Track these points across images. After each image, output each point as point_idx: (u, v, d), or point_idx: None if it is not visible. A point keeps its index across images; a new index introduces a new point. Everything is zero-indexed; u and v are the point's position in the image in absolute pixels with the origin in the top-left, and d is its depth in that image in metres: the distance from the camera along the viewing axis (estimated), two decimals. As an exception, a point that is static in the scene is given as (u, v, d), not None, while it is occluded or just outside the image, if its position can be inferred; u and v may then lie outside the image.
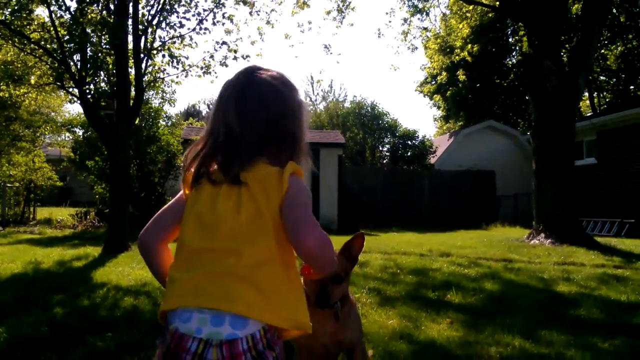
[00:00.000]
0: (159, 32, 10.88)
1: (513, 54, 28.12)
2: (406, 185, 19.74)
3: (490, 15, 20.47)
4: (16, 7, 9.87)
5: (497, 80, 27.87)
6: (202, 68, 11.58)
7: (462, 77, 20.30)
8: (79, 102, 10.70)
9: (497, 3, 13.90)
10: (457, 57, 17.19)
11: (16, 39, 10.08)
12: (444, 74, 23.24)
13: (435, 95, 28.83)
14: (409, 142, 22.41)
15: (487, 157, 21.13)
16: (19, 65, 12.01)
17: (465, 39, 17.48)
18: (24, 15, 9.90)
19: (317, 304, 2.13)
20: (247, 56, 12.13)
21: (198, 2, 11.16)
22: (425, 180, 20.00)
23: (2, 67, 11.98)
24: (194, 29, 11.19)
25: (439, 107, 31.78)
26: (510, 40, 27.16)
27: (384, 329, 3.98)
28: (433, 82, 28.35)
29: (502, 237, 11.91)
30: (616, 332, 3.89)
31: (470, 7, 15.64)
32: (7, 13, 9.92)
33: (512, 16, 14.71)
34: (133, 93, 10.37)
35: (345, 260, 2.31)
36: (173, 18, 11.02)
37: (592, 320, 4.34)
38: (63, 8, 10.24)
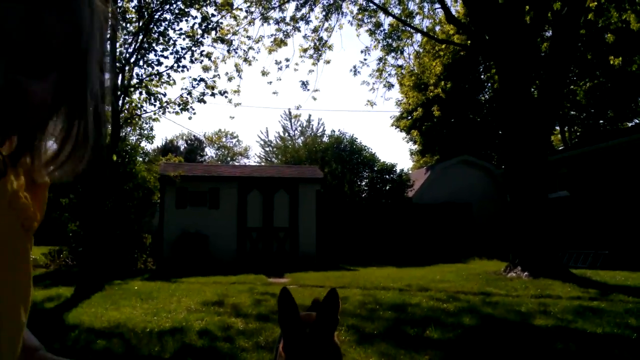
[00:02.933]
0: (136, 69, 10.93)
1: (486, 89, 28.90)
2: (385, 220, 19.80)
3: (462, 53, 21.10)
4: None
5: (471, 115, 28.50)
6: (179, 105, 11.61)
7: (436, 113, 20.71)
8: (53, 139, 10.63)
9: (469, 42, 14.35)
10: (431, 93, 17.59)
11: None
12: (419, 109, 23.70)
13: (412, 131, 29.32)
14: (387, 176, 22.59)
15: (463, 190, 21.39)
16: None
17: (439, 76, 17.94)
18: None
19: None
20: (225, 92, 12.25)
21: (176, 40, 11.26)
22: (403, 214, 20.10)
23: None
24: (171, 67, 11.27)
25: (415, 142, 32.23)
26: (482, 76, 27.95)
27: (363, 368, 3.93)
28: (409, 117, 28.85)
29: (480, 270, 11.97)
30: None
31: (443, 46, 16.11)
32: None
33: (483, 54, 15.19)
34: (110, 130, 10.32)
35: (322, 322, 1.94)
36: (151, 56, 11.10)
37: (569, 353, 4.36)
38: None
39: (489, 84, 27.50)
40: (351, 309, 6.67)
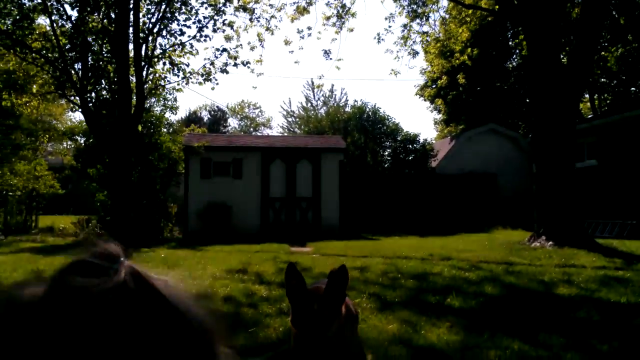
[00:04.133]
0: (159, 40, 11.01)
1: (514, 57, 28.16)
2: (408, 190, 19.74)
3: (489, 19, 20.51)
4: (18, 17, 9.98)
5: (497, 83, 27.89)
6: (202, 75, 11.69)
7: (462, 81, 20.32)
8: (80, 110, 10.81)
9: (497, 7, 13.94)
10: (457, 61, 17.23)
11: (18, 49, 10.17)
12: (445, 77, 23.26)
13: (436, 99, 28.87)
14: (410, 146, 22.41)
15: (488, 160, 21.12)
16: (21, 75, 12.10)
17: (465, 43, 17.52)
18: (26, 24, 10.00)
19: (303, 339, 1.85)
20: (247, 62, 12.28)
21: (198, 9, 11.26)
22: (426, 184, 20.00)
23: (4, 76, 12.08)
24: (194, 37, 11.30)
25: (439, 111, 31.79)
26: (510, 43, 27.20)
27: (384, 334, 3.99)
28: (433, 86, 28.38)
29: (504, 240, 11.91)
30: (615, 335, 3.90)
31: (470, 12, 15.69)
32: (9, 23, 10.03)
33: (511, 20, 14.74)
34: (134, 101, 10.45)
35: (328, 297, 1.99)
36: (174, 26, 11.14)
37: (591, 322, 4.35)
38: (64, 17, 10.37)
39: (517, 51, 26.74)
40: (373, 278, 6.74)
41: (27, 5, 9.99)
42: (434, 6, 16.09)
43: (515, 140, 22.56)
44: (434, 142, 26.60)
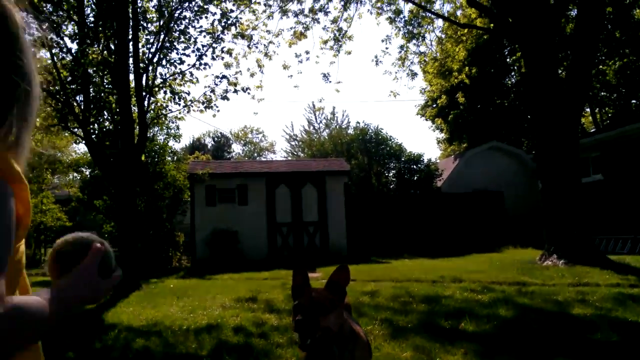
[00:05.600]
0: (159, 69, 11.07)
1: (512, 73, 28.28)
2: (415, 211, 19.63)
3: (485, 37, 20.68)
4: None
5: (498, 100, 27.95)
6: (203, 103, 11.70)
7: (461, 100, 20.37)
8: (83, 142, 10.83)
9: (492, 25, 14.04)
10: (455, 79, 17.30)
11: (21, 83, 10.23)
12: (444, 97, 23.35)
13: (436, 119, 28.94)
14: (415, 166, 22.38)
15: (493, 178, 21.04)
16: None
17: (463, 62, 17.62)
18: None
19: (300, 339, 1.89)
20: (248, 88, 12.28)
21: (197, 38, 11.35)
22: (433, 204, 19.90)
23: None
24: (193, 65, 11.35)
25: (441, 130, 31.82)
26: (508, 60, 27.35)
27: (398, 363, 3.90)
28: (434, 106, 28.47)
29: (514, 260, 11.77)
30: (636, 357, 3.79)
31: (465, 31, 15.81)
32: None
33: (507, 37, 14.83)
34: (137, 131, 10.47)
35: (329, 292, 2.08)
36: (173, 55, 11.22)
37: (609, 344, 4.24)
38: (64, 50, 10.46)
39: (515, 67, 26.89)
40: (384, 303, 6.63)
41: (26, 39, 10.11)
42: (429, 26, 16.24)
43: (519, 157, 22.52)
44: (438, 161, 26.57)
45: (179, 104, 11.52)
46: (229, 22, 11.66)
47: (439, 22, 16.31)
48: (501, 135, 26.61)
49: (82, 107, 10.43)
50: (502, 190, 20.18)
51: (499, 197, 20.05)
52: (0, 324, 0.76)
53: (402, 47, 16.54)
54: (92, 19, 10.69)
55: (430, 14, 15.33)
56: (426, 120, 31.12)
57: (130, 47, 10.18)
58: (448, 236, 18.70)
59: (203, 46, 11.42)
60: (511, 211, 19.89)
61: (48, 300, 0.88)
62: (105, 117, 11.17)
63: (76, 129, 11.06)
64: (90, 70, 10.43)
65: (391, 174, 23.20)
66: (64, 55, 10.47)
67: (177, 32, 11.12)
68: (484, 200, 19.87)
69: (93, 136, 10.53)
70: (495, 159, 22.14)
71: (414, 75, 17.64)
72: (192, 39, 11.26)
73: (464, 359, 3.97)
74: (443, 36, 17.20)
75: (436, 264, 12.14)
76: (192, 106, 11.67)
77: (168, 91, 11.35)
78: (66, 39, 10.58)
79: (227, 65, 12.48)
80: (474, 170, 21.68)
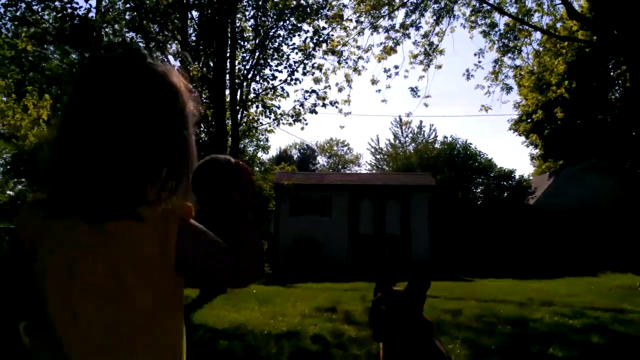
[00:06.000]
0: (253, 85, 11.59)
1: (616, 87, 26.46)
2: (503, 228, 18.87)
3: (587, 50, 19.54)
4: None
5: (599, 116, 26.25)
6: (292, 116, 12.07)
7: (560, 115, 19.34)
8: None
9: (594, 38, 13.27)
10: (553, 94, 16.47)
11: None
12: (540, 111, 22.27)
13: (531, 134, 27.68)
14: (505, 182, 21.55)
15: (591, 197, 19.74)
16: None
17: (562, 75, 16.75)
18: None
19: (376, 329, 1.95)
20: (335, 102, 12.53)
21: (289, 55, 11.75)
22: (523, 222, 19.01)
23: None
24: (285, 80, 11.78)
25: (536, 146, 30.40)
26: (612, 73, 25.63)
27: (479, 384, 3.79)
28: (529, 121, 27.24)
29: (612, 285, 10.94)
30: None
31: (565, 43, 15.05)
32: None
33: (611, 50, 13.95)
34: (230, 142, 11.01)
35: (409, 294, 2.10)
36: (266, 71, 11.70)
37: None
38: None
39: (620, 82, 25.11)
40: (466, 322, 6.44)
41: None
42: (526, 39, 15.60)
43: (620, 176, 20.96)
44: (531, 178, 25.37)
45: (270, 117, 12.00)
46: (321, 39, 11.97)
47: (537, 35, 15.65)
48: (602, 153, 24.92)
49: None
50: (600, 211, 18.86)
51: (597, 218, 18.74)
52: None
53: (496, 61, 16.03)
54: (193, 38, 11.44)
55: (527, 27, 14.76)
56: (519, 135, 29.84)
57: (228, 64, 10.77)
58: (539, 256, 17.75)
59: (295, 62, 11.83)
60: (610, 233, 18.51)
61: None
62: (202, 129, 11.87)
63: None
64: (191, 86, 11.17)
65: (479, 190, 22.48)
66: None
67: (271, 50, 11.61)
68: (580, 220, 18.68)
69: (191, 147, 11.23)
70: (594, 177, 20.76)
71: (508, 89, 17.02)
72: (285, 56, 11.70)
73: (550, 385, 3.78)
74: (541, 49, 16.49)
75: (525, 285, 11.57)
76: (281, 119, 12.10)
77: (260, 105, 11.87)
78: (170, 57, 11.42)
79: (317, 80, 12.79)
80: (571, 189, 20.46)
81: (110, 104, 0.98)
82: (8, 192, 25.50)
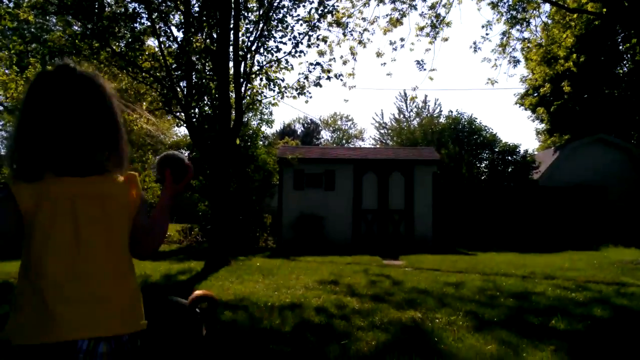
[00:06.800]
0: (257, 57, 11.43)
1: (625, 62, 26.05)
2: (506, 203, 18.85)
3: (596, 22, 19.19)
4: (130, 40, 10.85)
5: (606, 90, 25.91)
6: (296, 89, 11.94)
7: (567, 89, 19.08)
8: (185, 125, 11.50)
9: (604, 10, 13.01)
10: (561, 67, 16.23)
11: (130, 69, 11.03)
12: (547, 85, 22.00)
13: (537, 108, 27.39)
14: (509, 157, 21.42)
15: (597, 172, 19.62)
16: (132, 93, 13.12)
17: (570, 49, 16.48)
18: (137, 46, 10.85)
19: None
20: (340, 75, 12.36)
21: (294, 26, 11.58)
22: (527, 197, 18.98)
23: (118, 94, 13.16)
24: (289, 53, 11.60)
25: (542, 120, 30.12)
26: (621, 47, 25.21)
27: (481, 355, 3.82)
28: (535, 95, 26.94)
29: (615, 259, 10.97)
30: None
31: (574, 16, 14.76)
32: (122, 45, 10.92)
33: (621, 23, 13.67)
34: (233, 115, 10.93)
35: None
36: (270, 43, 11.53)
37: None
38: (171, 39, 11.12)
39: (629, 55, 24.72)
40: (469, 295, 6.48)
41: (138, 28, 10.83)
42: (535, 11, 15.32)
43: (627, 151, 20.79)
44: (536, 153, 25.22)
45: (274, 90, 11.87)
46: (326, 10, 11.76)
47: (546, 7, 15.35)
48: (609, 127, 24.70)
49: (185, 93, 11.05)
50: (606, 186, 18.78)
51: (602, 193, 18.68)
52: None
53: (504, 33, 15.75)
54: (197, 9, 11.25)
55: (537, -2, 14.48)
56: (525, 109, 29.59)
57: (231, 35, 10.61)
58: (542, 231, 17.77)
59: (299, 34, 11.63)
60: (615, 208, 18.47)
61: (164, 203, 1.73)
62: (205, 102, 11.76)
63: (179, 113, 11.76)
64: (194, 58, 11.01)
65: (483, 165, 22.40)
66: (171, 43, 11.14)
67: (276, 21, 11.41)
68: (585, 195, 18.62)
69: (194, 120, 11.13)
70: (600, 152, 20.59)
71: (516, 62, 16.78)
72: (290, 28, 11.52)
73: (554, 356, 3.80)
74: (549, 21, 16.19)
75: (527, 259, 11.62)
76: (285, 92, 11.97)
77: (264, 78, 11.73)
78: (173, 28, 11.25)
79: (321, 53, 12.60)
80: (576, 164, 20.33)
81: (58, 103, 1.46)
82: (13, 165, 25.63)
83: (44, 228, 1.40)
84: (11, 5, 10.34)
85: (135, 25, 10.75)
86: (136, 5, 10.65)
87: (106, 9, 10.41)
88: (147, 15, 10.58)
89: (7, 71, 17.18)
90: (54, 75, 1.50)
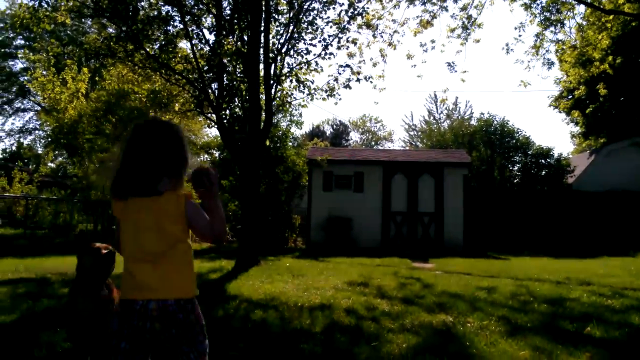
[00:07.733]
0: (287, 59, 11.49)
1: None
2: (540, 207, 18.48)
3: (633, 24, 18.66)
4: (163, 42, 11.06)
5: (645, 92, 25.15)
6: (326, 91, 11.95)
7: (603, 92, 18.59)
8: (216, 126, 11.65)
9: (643, 9, 12.63)
10: (596, 70, 15.83)
11: (163, 71, 11.24)
12: (582, 88, 21.48)
13: (572, 111, 26.78)
14: (543, 160, 21.01)
15: (634, 177, 19.08)
16: (165, 94, 13.38)
17: (606, 51, 16.07)
18: (170, 49, 11.06)
19: None
20: (370, 77, 12.31)
21: (324, 29, 11.58)
22: (561, 201, 18.57)
23: (152, 95, 13.47)
24: (319, 55, 11.62)
25: (576, 123, 29.43)
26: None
27: (514, 360, 3.76)
28: (570, 97, 26.34)
29: (653, 267, 10.63)
30: None
31: (610, 17, 14.38)
32: (156, 48, 11.14)
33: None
34: (263, 117, 11.02)
35: None
36: (300, 45, 11.57)
37: None
38: (203, 41, 11.29)
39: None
40: (501, 300, 6.38)
41: (171, 31, 11.04)
42: (569, 13, 14.98)
43: (665, 155, 20.15)
44: (570, 156, 24.69)
45: (303, 92, 11.92)
46: (356, 12, 11.74)
47: (581, 8, 14.99)
48: (645, 131, 23.93)
49: (216, 94, 11.20)
50: (642, 191, 18.26)
51: (638, 198, 18.15)
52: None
53: (537, 35, 15.45)
54: (228, 12, 11.39)
55: (571, 0, 14.16)
56: (560, 112, 28.97)
57: (262, 38, 10.71)
58: (576, 236, 17.36)
59: (329, 36, 11.65)
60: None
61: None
62: (236, 103, 11.89)
63: (210, 114, 11.93)
64: (225, 60, 11.16)
65: (516, 168, 22.01)
66: (203, 46, 11.31)
67: (306, 23, 11.45)
68: (620, 200, 18.12)
69: (224, 121, 11.27)
70: (636, 155, 20.02)
71: (550, 64, 16.44)
72: (319, 30, 11.54)
73: (588, 364, 3.71)
74: (584, 23, 15.82)
75: (561, 264, 11.36)
76: (315, 94, 12.00)
77: (294, 80, 11.78)
78: (205, 31, 11.42)
79: (351, 55, 12.57)
80: (612, 168, 19.82)
81: (151, 142, 2.08)
82: (49, 163, 26.42)
83: (124, 228, 2.10)
84: (49, 9, 10.64)
85: (168, 28, 10.96)
86: (169, 8, 10.85)
87: (140, 12, 10.64)
88: (179, 18, 10.77)
89: (44, 72, 17.76)
90: (144, 126, 2.14)
